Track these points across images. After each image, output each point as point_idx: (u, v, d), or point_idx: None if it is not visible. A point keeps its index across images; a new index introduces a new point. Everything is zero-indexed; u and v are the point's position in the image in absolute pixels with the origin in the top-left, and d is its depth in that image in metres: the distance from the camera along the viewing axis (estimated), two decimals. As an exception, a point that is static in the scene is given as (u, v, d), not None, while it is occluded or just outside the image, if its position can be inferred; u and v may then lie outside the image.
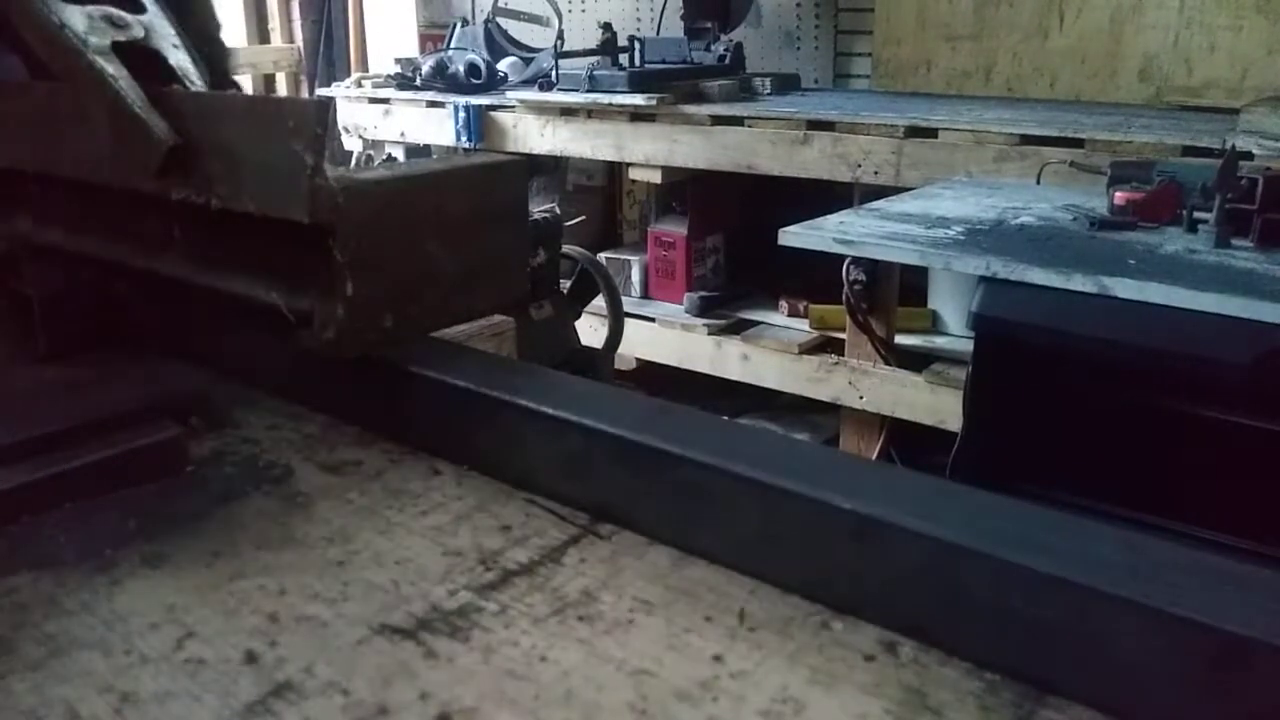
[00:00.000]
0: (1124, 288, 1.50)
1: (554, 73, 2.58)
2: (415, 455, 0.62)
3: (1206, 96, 2.56)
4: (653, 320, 2.57)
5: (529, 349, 0.80)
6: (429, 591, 0.48)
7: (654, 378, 2.59)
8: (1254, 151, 1.92)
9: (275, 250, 0.66)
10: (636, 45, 2.55)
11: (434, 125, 2.83)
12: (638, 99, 2.38)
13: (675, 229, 2.64)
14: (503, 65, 2.90)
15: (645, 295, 2.71)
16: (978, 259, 1.66)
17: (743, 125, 2.30)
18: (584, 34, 2.87)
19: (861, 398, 2.25)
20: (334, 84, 3.40)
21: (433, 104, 2.83)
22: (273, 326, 0.66)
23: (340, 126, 3.06)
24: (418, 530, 0.53)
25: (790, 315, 2.56)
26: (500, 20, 3.04)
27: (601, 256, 2.25)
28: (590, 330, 0.89)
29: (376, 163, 2.87)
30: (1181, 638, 0.36)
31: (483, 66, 2.82)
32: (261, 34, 4.07)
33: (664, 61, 2.63)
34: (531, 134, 2.64)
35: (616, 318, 0.97)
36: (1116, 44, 2.66)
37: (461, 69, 2.81)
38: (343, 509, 0.56)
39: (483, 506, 0.56)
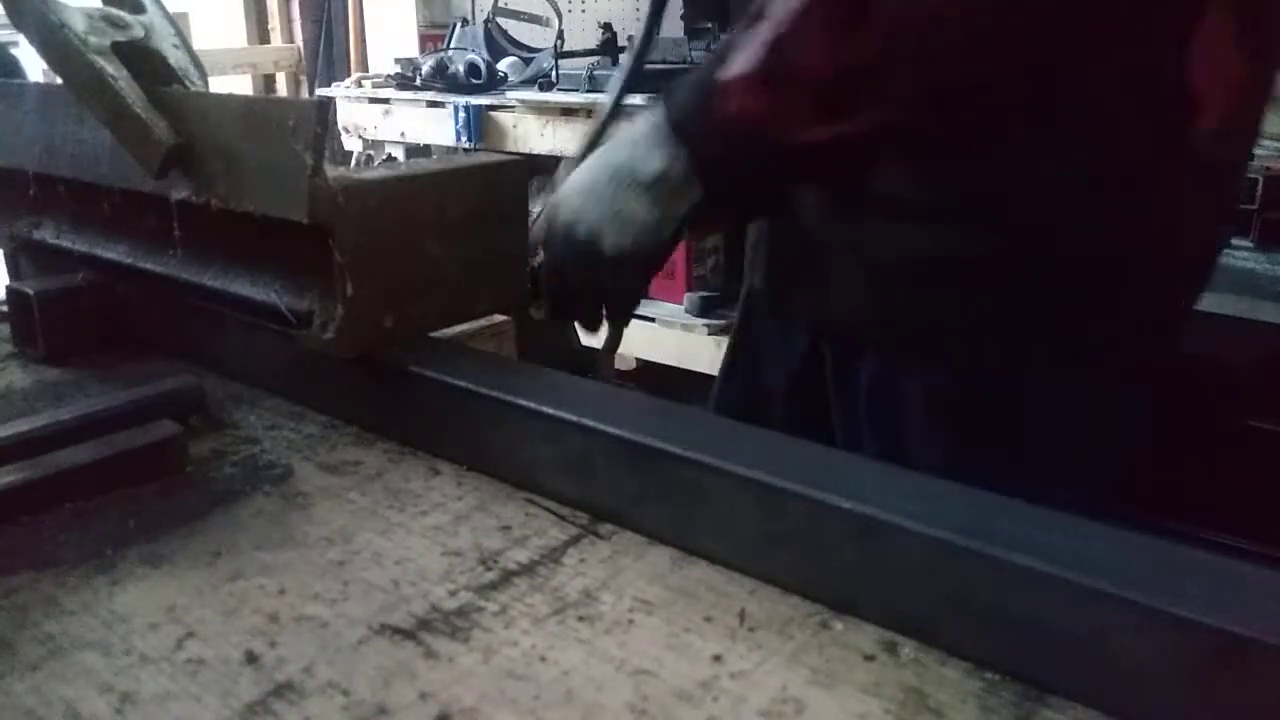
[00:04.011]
0: (1124, 288, 1.49)
1: (554, 73, 2.58)
2: (415, 455, 0.62)
3: (1206, 96, 2.55)
4: (653, 320, 2.57)
5: (529, 349, 0.80)
6: (429, 591, 0.48)
7: (654, 378, 2.59)
8: (1254, 151, 1.91)
9: (275, 250, 0.66)
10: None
11: (434, 125, 2.83)
12: (638, 99, 2.38)
13: (675, 229, 2.64)
14: (503, 65, 2.89)
15: (645, 295, 2.71)
16: (978, 259, 1.66)
17: (743, 125, 2.30)
18: (584, 34, 2.87)
19: (861, 398, 2.25)
20: (334, 84, 3.40)
21: (433, 104, 2.82)
22: (273, 327, 0.66)
23: (340, 126, 3.05)
24: (418, 530, 0.53)
25: (790, 315, 2.56)
26: (500, 20, 3.04)
27: (601, 256, 2.25)
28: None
29: (376, 163, 2.87)
30: (1181, 638, 0.36)
31: (483, 66, 2.82)
32: (261, 34, 4.07)
33: (664, 61, 2.63)
34: (531, 134, 2.64)
35: (617, 317, 0.97)
36: (1116, 44, 2.65)
37: (461, 69, 2.80)
38: (343, 509, 0.56)
39: (483, 506, 0.56)
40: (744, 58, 0.61)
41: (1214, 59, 0.63)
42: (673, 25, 2.79)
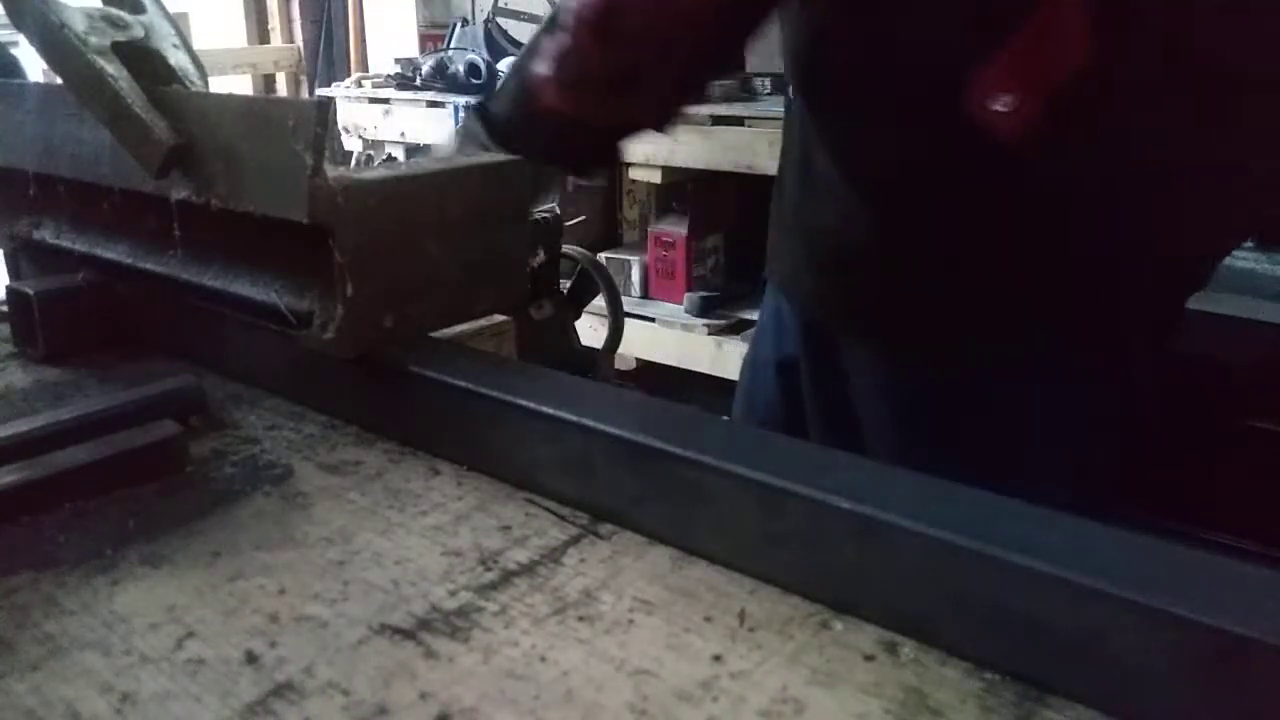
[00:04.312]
0: (1124, 288, 1.49)
1: (554, 73, 2.57)
2: (415, 455, 0.62)
3: (1206, 96, 2.55)
4: (653, 320, 2.57)
5: (529, 349, 0.80)
6: (429, 591, 0.48)
7: (654, 378, 2.59)
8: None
9: (275, 250, 0.66)
10: (636, 45, 2.55)
11: (434, 125, 2.83)
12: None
13: (675, 229, 2.64)
14: (503, 65, 2.89)
15: (645, 295, 2.71)
16: (978, 259, 1.66)
17: (743, 125, 2.30)
18: (584, 34, 2.87)
19: (861, 398, 2.25)
20: (334, 84, 3.40)
21: (433, 104, 2.82)
22: (273, 327, 0.66)
23: (340, 126, 3.05)
24: (418, 530, 0.53)
25: (790, 315, 2.55)
26: (500, 20, 3.04)
27: (601, 256, 2.25)
28: (590, 330, 0.89)
29: (376, 163, 2.87)
30: (1181, 638, 0.36)
31: (483, 66, 2.82)
32: (261, 34, 4.07)
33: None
34: (531, 134, 2.63)
35: (616, 318, 0.97)
36: (1116, 44, 2.65)
37: (461, 69, 2.81)
38: (343, 509, 0.56)
39: (483, 506, 0.56)
40: (544, 64, 0.72)
41: (1041, 45, 0.64)
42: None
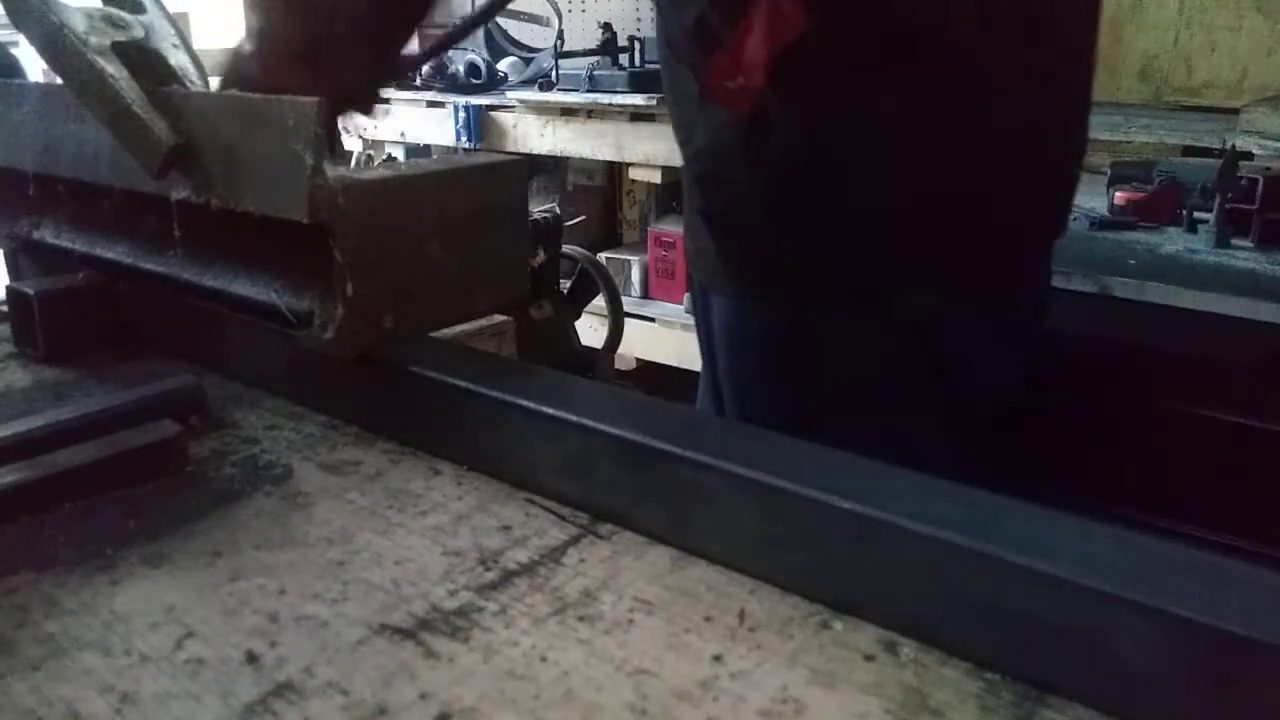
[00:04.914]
0: (1124, 288, 1.50)
1: (554, 73, 2.58)
2: (415, 455, 0.62)
3: (1206, 96, 2.55)
4: (653, 320, 2.57)
5: (529, 349, 0.80)
6: (429, 591, 0.48)
7: (654, 378, 2.59)
8: (1254, 151, 1.91)
9: (275, 250, 0.66)
10: (636, 45, 2.55)
11: (434, 125, 2.83)
12: (638, 99, 2.38)
13: (675, 229, 2.64)
14: (503, 65, 2.90)
15: (645, 295, 2.71)
16: (978, 259, 1.65)
17: (743, 125, 2.29)
18: (584, 34, 2.87)
19: (861, 398, 2.25)
20: (334, 84, 3.39)
21: (433, 104, 2.82)
22: (273, 327, 0.66)
23: (340, 126, 3.05)
24: (418, 530, 0.53)
25: (790, 315, 2.55)
26: (500, 20, 3.04)
27: (601, 256, 2.25)
28: (590, 330, 0.89)
29: (376, 163, 2.87)
30: (1181, 638, 0.36)
31: (483, 66, 2.82)
32: (261, 34, 4.07)
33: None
34: (531, 134, 2.64)
35: (616, 318, 0.97)
36: (1116, 44, 2.65)
37: (461, 69, 2.81)
38: (343, 509, 0.56)
39: (483, 506, 0.56)
40: (249, 40, 0.76)
41: (762, 29, 0.71)
42: (673, 25, 2.79)
